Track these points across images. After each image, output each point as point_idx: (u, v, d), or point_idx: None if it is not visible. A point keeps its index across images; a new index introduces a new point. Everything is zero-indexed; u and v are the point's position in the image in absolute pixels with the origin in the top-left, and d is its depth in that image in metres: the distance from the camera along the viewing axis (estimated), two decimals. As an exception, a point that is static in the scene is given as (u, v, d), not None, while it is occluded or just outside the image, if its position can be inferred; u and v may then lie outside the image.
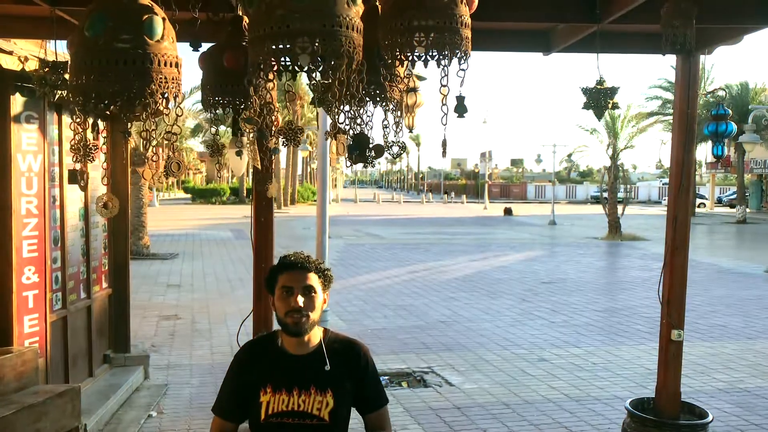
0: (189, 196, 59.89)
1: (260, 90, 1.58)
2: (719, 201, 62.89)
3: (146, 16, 1.67)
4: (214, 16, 2.35)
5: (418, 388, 7.40)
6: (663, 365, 5.20)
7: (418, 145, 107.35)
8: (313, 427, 2.39)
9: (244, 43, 2.14)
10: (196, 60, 2.30)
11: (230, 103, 2.23)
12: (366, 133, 1.84)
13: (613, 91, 4.16)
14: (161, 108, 1.64)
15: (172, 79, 1.68)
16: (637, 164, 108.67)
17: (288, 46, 1.55)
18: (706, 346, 9.43)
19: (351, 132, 1.94)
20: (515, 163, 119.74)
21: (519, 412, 6.65)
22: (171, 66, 1.68)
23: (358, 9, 1.67)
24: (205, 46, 2.30)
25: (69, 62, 1.82)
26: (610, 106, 4.15)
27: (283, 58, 1.57)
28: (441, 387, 7.43)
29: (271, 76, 1.68)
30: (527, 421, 6.44)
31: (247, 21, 2.18)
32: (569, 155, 40.16)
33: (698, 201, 52.32)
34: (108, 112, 2.30)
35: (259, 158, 2.73)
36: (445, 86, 1.72)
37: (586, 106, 4.18)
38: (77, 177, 2.14)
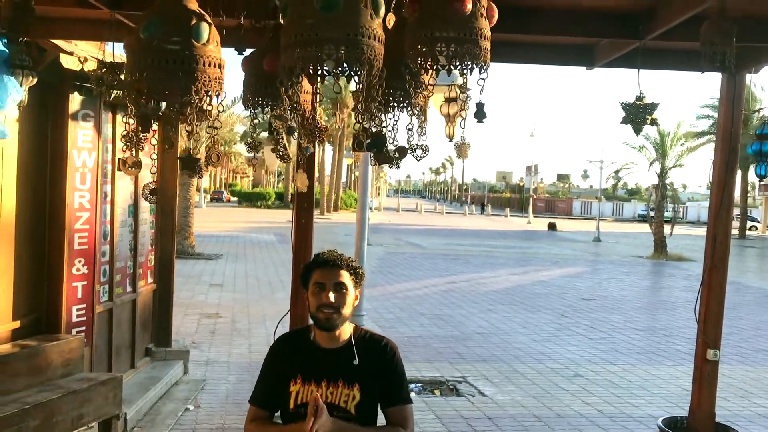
0: (235, 199, 60.86)
1: (291, 91, 1.71)
2: (772, 224, 61.11)
3: (194, 22, 1.85)
4: (257, 23, 2.49)
5: (451, 397, 7.44)
6: (698, 384, 5.16)
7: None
8: (339, 418, 2.48)
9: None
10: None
11: (268, 103, 2.39)
12: (384, 133, 1.96)
13: (653, 107, 4.17)
14: (205, 105, 1.79)
15: (215, 78, 1.86)
16: (688, 184, 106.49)
17: (316, 52, 1.71)
18: (749, 370, 9.25)
19: (369, 132, 2.07)
20: (561, 178, 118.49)
21: (550, 425, 6.64)
22: (214, 67, 1.86)
23: (380, 21, 1.80)
24: (248, 51, 2.46)
25: (125, 61, 1.99)
26: (648, 122, 4.16)
27: (310, 63, 1.73)
28: (473, 397, 7.46)
29: (301, 79, 1.82)
30: (558, 434, 6.43)
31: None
32: (616, 172, 39.60)
33: (749, 224, 50.97)
34: (160, 113, 2.49)
35: (282, 153, 2.87)
36: (465, 93, 1.83)
37: (625, 121, 4.20)
38: (125, 164, 2.29)
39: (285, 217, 40.14)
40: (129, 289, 6.79)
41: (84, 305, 5.75)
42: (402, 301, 13.63)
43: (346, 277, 2.55)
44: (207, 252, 20.02)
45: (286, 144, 2.77)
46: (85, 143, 5.64)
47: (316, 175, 34.32)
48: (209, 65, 1.88)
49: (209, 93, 1.84)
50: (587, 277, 19.55)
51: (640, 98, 4.23)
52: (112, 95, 4.02)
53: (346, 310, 2.53)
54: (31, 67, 4.01)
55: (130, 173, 2.41)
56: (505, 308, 13.36)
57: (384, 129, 1.98)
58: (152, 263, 7.42)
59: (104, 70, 4.03)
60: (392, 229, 36.37)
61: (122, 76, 4.05)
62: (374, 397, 2.55)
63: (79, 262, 5.67)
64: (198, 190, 36.85)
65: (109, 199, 6.21)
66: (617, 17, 4.30)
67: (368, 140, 1.85)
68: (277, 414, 2.64)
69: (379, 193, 78.14)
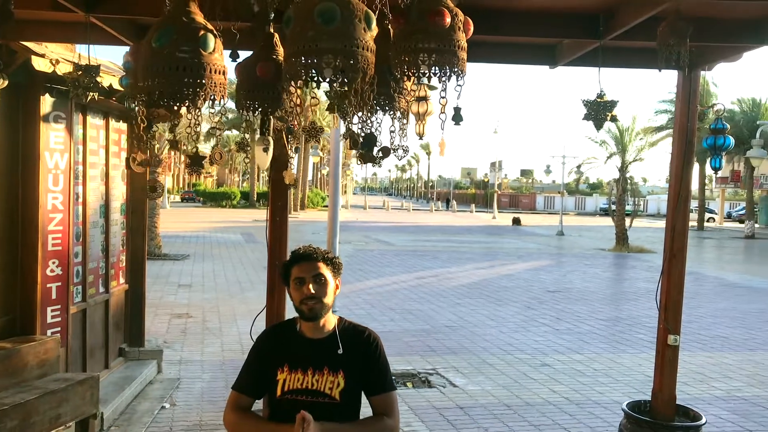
0: (199, 199, 60.32)
1: (292, 95, 1.86)
2: (729, 216, 62.78)
3: (202, 32, 2.01)
4: (257, 24, 2.62)
5: (423, 389, 7.61)
6: (659, 369, 5.38)
7: (428, 153, 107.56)
8: (324, 405, 2.61)
9: (273, 56, 2.46)
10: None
11: (260, 106, 2.53)
12: (374, 133, 2.13)
13: (613, 104, 4.36)
14: (210, 109, 1.95)
15: (220, 84, 2.03)
16: (648, 178, 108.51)
17: (316, 61, 1.91)
18: (707, 355, 9.60)
19: (362, 133, 2.24)
20: (525, 173, 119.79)
21: (520, 414, 6.85)
22: (219, 74, 2.04)
23: (372, 34, 2.01)
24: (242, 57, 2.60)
25: (131, 67, 2.11)
26: (609, 118, 4.35)
27: (311, 71, 1.93)
28: (445, 388, 7.63)
29: (300, 84, 1.98)
30: (527, 422, 6.63)
31: (278, 37, 2.48)
32: (578, 167, 40.27)
33: (707, 216, 52.25)
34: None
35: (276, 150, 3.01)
36: (444, 98, 2.03)
37: (587, 118, 4.38)
38: (134, 161, 2.41)
39: (251, 216, 40.03)
40: (101, 289, 6.81)
41: (59, 306, 5.77)
42: (372, 297, 13.77)
43: (323, 268, 2.68)
44: (173, 252, 19.90)
45: (286, 144, 2.91)
46: (57, 145, 5.66)
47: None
48: (215, 72, 2.04)
49: (213, 97, 1.99)
50: (552, 270, 19.93)
51: (600, 95, 4.41)
52: (89, 97, 4.07)
53: (328, 300, 2.66)
54: (2, 69, 4.04)
55: (140, 170, 2.56)
56: (472, 302, 13.60)
57: (375, 130, 2.15)
58: (124, 263, 7.44)
59: (80, 72, 4.08)
60: (360, 226, 36.48)
61: (98, 79, 4.13)
62: (358, 383, 2.68)
63: (53, 263, 5.69)
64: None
65: (80, 200, 6.23)
66: (578, 18, 4.49)
67: (362, 140, 2.01)
68: (257, 403, 2.76)
69: (345, 191, 78.21)
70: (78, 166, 6.14)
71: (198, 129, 2.19)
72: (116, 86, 5.56)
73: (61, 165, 5.72)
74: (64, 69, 5.03)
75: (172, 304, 12.24)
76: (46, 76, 5.28)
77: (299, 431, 2.41)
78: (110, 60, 6.85)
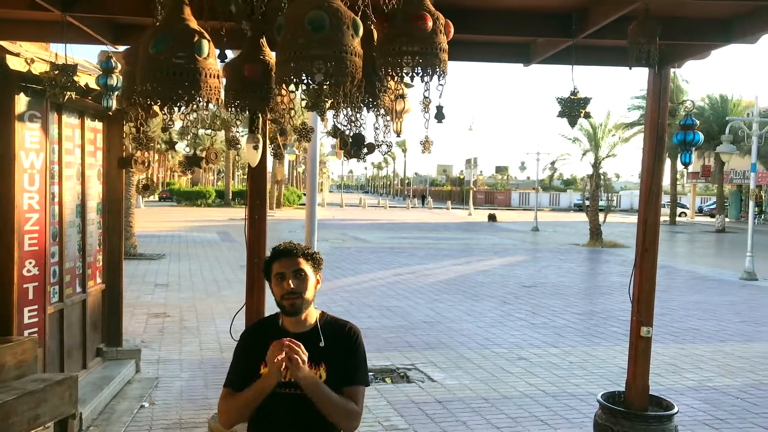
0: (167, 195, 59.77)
1: (284, 97, 1.93)
2: (700, 210, 63.81)
3: (196, 38, 2.06)
4: (238, 23, 2.66)
5: (401, 384, 7.68)
6: (633, 360, 5.51)
7: (404, 151, 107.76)
8: (306, 397, 2.65)
9: (261, 57, 2.52)
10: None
11: (248, 105, 2.58)
12: (362, 133, 2.20)
13: (586, 101, 4.46)
14: (203, 111, 2.01)
15: (214, 87, 2.09)
16: (621, 173, 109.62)
17: (307, 66, 1.99)
18: (680, 347, 9.80)
19: (350, 132, 2.31)
20: (500, 170, 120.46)
21: (497, 407, 6.95)
22: (214, 77, 2.10)
23: (359, 39, 2.09)
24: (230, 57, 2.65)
25: (126, 72, 2.15)
26: (582, 115, 4.45)
27: (303, 75, 2.01)
28: (423, 382, 7.71)
29: (291, 87, 2.05)
30: (505, 414, 6.74)
31: (265, 40, 2.53)
32: (552, 163, 40.72)
33: (679, 210, 53.06)
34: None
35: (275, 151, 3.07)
36: (427, 98, 2.11)
37: (561, 115, 4.47)
38: (130, 162, 2.44)
39: (226, 215, 39.83)
40: (78, 289, 6.78)
41: (35, 306, 5.74)
42: (350, 294, 13.82)
43: (304, 263, 2.72)
44: (149, 252, 19.76)
45: (279, 143, 2.96)
46: (32, 144, 5.63)
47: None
48: (209, 76, 2.10)
49: (209, 100, 2.04)
50: (527, 266, 20.14)
51: (574, 93, 4.50)
52: (66, 97, 4.07)
53: (309, 294, 2.71)
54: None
55: (140, 170, 2.60)
56: (450, 297, 13.71)
57: (362, 129, 2.23)
58: (101, 263, 7.41)
59: (57, 72, 4.08)
60: (337, 224, 36.49)
61: (75, 78, 4.12)
62: (339, 376, 2.72)
63: (30, 263, 5.66)
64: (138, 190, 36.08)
65: (57, 200, 6.20)
66: (552, 17, 4.58)
67: (351, 139, 2.08)
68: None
69: (322, 189, 78.06)
70: (54, 165, 6.10)
71: (194, 131, 2.24)
72: (92, 85, 5.54)
73: (36, 164, 5.69)
74: (39, 68, 5.01)
75: (149, 303, 12.18)
76: (21, 76, 5.25)
77: (276, 355, 2.46)
78: (85, 59, 6.82)
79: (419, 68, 2.11)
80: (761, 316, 12.73)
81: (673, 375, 8.30)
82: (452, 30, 2.18)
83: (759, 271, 18.17)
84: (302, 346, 2.50)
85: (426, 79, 2.09)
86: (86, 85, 5.62)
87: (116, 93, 3.91)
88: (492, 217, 45.63)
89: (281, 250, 2.75)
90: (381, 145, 2.52)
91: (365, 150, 2.36)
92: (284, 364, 2.47)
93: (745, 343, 10.23)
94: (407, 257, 21.36)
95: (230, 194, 56.58)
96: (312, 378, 2.58)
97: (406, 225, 38.74)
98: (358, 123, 2.28)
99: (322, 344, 2.69)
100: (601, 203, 29.20)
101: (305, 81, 1.97)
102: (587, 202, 29.50)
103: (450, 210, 62.31)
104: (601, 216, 28.08)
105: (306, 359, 2.49)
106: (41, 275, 5.79)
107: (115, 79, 3.89)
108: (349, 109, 2.27)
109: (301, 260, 2.72)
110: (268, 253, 2.86)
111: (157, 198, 61.31)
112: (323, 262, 2.84)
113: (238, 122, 2.70)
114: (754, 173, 20.40)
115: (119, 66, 3.46)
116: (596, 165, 29.05)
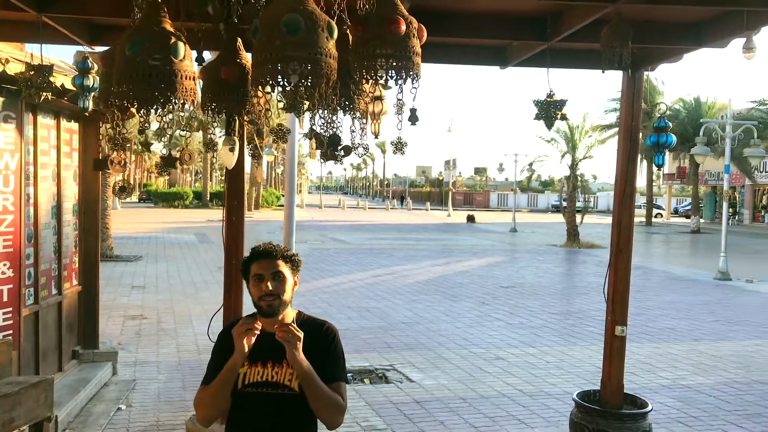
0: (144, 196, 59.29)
1: (260, 99, 1.95)
2: (676, 211, 64.55)
3: (173, 41, 2.07)
4: (215, 25, 2.67)
5: (380, 384, 7.71)
6: (608, 359, 5.58)
7: (383, 152, 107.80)
8: (284, 396, 2.67)
9: (237, 60, 2.54)
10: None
11: (225, 107, 2.60)
12: (338, 134, 2.23)
13: (562, 103, 4.52)
14: (180, 111, 2.02)
15: (190, 89, 2.09)
16: (598, 175, 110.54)
17: (283, 68, 2.02)
18: (655, 346, 9.93)
19: (326, 133, 2.34)
20: (479, 171, 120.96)
21: (475, 406, 7.00)
22: (189, 79, 2.10)
23: (334, 42, 2.12)
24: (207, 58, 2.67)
25: (102, 73, 2.16)
26: (559, 117, 4.51)
27: (278, 77, 2.04)
28: (402, 383, 7.75)
29: (267, 89, 2.07)
30: (482, 414, 6.79)
31: (241, 42, 2.55)
32: (530, 164, 40.87)
33: (655, 211, 53.64)
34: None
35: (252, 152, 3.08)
36: (400, 100, 2.14)
37: (538, 117, 4.53)
38: (106, 164, 2.45)
39: (204, 216, 39.57)
40: (54, 291, 6.72)
41: (10, 309, 5.69)
42: (329, 295, 13.82)
43: (282, 265, 2.74)
44: (126, 254, 19.59)
45: (257, 144, 2.98)
46: (7, 145, 5.58)
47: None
48: (185, 78, 2.12)
49: (184, 101, 2.05)
50: (505, 266, 20.27)
51: (550, 95, 4.56)
52: (42, 97, 4.04)
53: (286, 296, 2.73)
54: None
55: (117, 171, 2.62)
56: (428, 298, 13.77)
57: (337, 129, 2.26)
58: (76, 265, 7.35)
59: (32, 72, 4.05)
60: (316, 225, 36.42)
61: (51, 79, 4.10)
62: (317, 374, 2.75)
63: (5, 265, 5.61)
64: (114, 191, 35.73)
65: (32, 201, 6.14)
66: (527, 21, 4.64)
67: (327, 140, 2.11)
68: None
69: (301, 190, 77.82)
70: (29, 166, 6.05)
71: (170, 132, 2.25)
72: (68, 86, 5.50)
73: (11, 165, 5.64)
74: (14, 69, 4.96)
75: (126, 305, 12.08)
76: (-5, 76, 5.20)
77: (243, 329, 2.58)
78: (61, 59, 6.77)
79: (393, 71, 2.14)
80: (734, 315, 12.94)
81: (648, 374, 8.42)
82: (425, 34, 2.22)
83: (732, 271, 18.45)
84: (300, 330, 2.59)
85: (400, 82, 2.13)
86: (62, 85, 5.59)
87: (92, 94, 3.90)
88: (471, 218, 45.82)
89: (260, 251, 2.77)
90: (357, 147, 2.54)
91: (341, 152, 2.39)
92: (250, 338, 2.59)
93: (719, 342, 10.40)
94: (386, 258, 21.40)
95: (208, 195, 56.24)
96: (307, 364, 2.63)
97: (385, 226, 38.78)
98: (334, 125, 2.31)
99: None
100: (578, 204, 29.44)
101: (281, 82, 2.00)
102: (564, 204, 29.75)
103: (429, 211, 62.46)
104: (578, 217, 28.33)
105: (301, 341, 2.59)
106: (16, 277, 5.74)
107: (92, 80, 3.88)
108: (324, 110, 2.30)
109: (280, 262, 2.74)
110: (246, 254, 2.88)
111: (136, 199, 60.81)
112: (301, 263, 2.86)
113: (215, 124, 2.71)
114: (727, 174, 20.71)
115: (96, 67, 3.45)
116: (573, 166, 29.30)
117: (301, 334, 2.58)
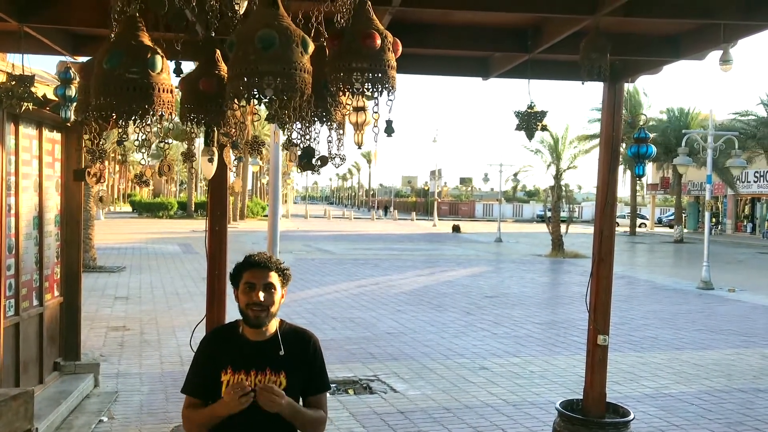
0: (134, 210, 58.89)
1: (236, 111, 1.98)
2: (659, 221, 65.08)
3: (150, 55, 2.09)
4: (193, 36, 2.70)
5: (364, 395, 7.70)
6: (590, 368, 5.62)
7: (369, 162, 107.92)
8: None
9: (216, 71, 2.57)
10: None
11: (204, 118, 2.62)
12: (312, 146, 2.28)
13: (543, 114, 4.58)
14: (157, 125, 2.05)
15: (168, 102, 2.12)
16: (583, 185, 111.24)
17: (257, 82, 2.07)
18: (638, 355, 9.99)
19: (301, 145, 2.39)
20: (464, 181, 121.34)
21: (459, 416, 7.01)
22: (167, 92, 2.14)
23: (308, 57, 2.17)
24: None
25: (80, 86, 2.17)
26: (539, 128, 4.56)
27: (253, 90, 2.09)
28: (386, 393, 7.74)
29: (243, 103, 2.10)
30: (467, 424, 6.80)
31: (219, 54, 2.58)
32: (515, 175, 41.14)
33: (639, 221, 54.03)
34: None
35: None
36: (376, 113, 2.19)
37: (519, 128, 4.59)
38: (85, 175, 2.46)
39: (189, 227, 39.35)
40: (35, 302, 6.66)
41: (-10, 320, 5.63)
42: (313, 306, 13.79)
43: (275, 278, 2.75)
44: (109, 265, 19.46)
45: (236, 156, 3.00)
46: (-12, 155, 5.54)
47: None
48: (163, 91, 2.15)
49: (162, 114, 2.08)
50: (490, 276, 20.33)
51: (531, 106, 4.62)
52: (23, 107, 4.03)
53: (274, 309, 2.75)
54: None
55: (94, 183, 2.62)
56: (413, 308, 13.77)
57: (313, 140, 2.30)
58: (58, 276, 7.29)
59: (14, 82, 4.04)
60: (301, 235, 36.36)
61: (33, 89, 4.09)
62: (298, 383, 2.77)
63: (-15, 276, 5.55)
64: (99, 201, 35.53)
65: (13, 211, 6.09)
66: (508, 33, 4.70)
67: (301, 152, 2.14)
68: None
69: (286, 200, 77.70)
70: (10, 176, 6.00)
71: (148, 145, 2.27)
72: (51, 96, 5.48)
73: (-8, 176, 5.60)
74: (-3, 79, 4.94)
75: (109, 316, 11.99)
76: (-24, 86, 5.17)
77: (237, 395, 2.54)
78: (43, 69, 6.74)
79: (369, 84, 2.18)
80: (716, 324, 13.05)
81: (631, 383, 8.47)
82: (400, 48, 2.27)
83: (715, 280, 18.62)
84: (275, 388, 2.61)
85: (375, 94, 2.17)
86: (44, 95, 5.56)
87: (74, 104, 3.89)
88: (456, 228, 45.94)
89: (256, 260, 2.77)
90: (334, 157, 2.58)
91: (318, 162, 2.43)
92: (241, 400, 2.58)
93: (701, 351, 10.48)
94: (371, 268, 21.40)
95: (193, 206, 55.96)
96: (289, 405, 2.66)
97: (370, 236, 38.79)
98: (309, 136, 2.35)
99: (282, 353, 2.72)
100: (563, 214, 29.64)
101: (256, 96, 2.03)
102: (549, 214, 29.90)
103: (414, 221, 62.56)
104: (562, 227, 28.49)
105: (283, 396, 2.60)
106: (-4, 288, 5.68)
107: (74, 90, 3.88)
108: (299, 123, 2.34)
109: (273, 274, 2.76)
110: (231, 266, 2.89)
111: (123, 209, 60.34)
112: (291, 278, 2.88)
113: (194, 135, 2.73)
114: (709, 185, 20.92)
115: (77, 77, 3.46)
116: (558, 176, 29.48)
117: (282, 398, 2.60)
